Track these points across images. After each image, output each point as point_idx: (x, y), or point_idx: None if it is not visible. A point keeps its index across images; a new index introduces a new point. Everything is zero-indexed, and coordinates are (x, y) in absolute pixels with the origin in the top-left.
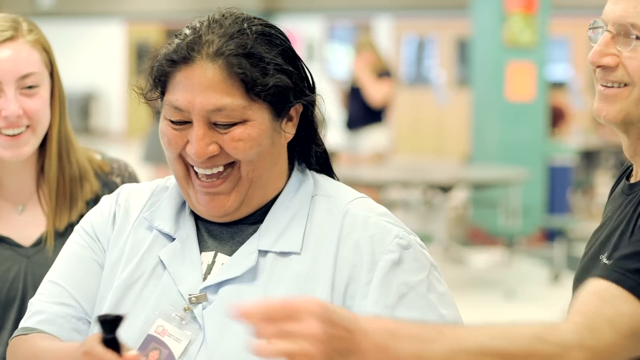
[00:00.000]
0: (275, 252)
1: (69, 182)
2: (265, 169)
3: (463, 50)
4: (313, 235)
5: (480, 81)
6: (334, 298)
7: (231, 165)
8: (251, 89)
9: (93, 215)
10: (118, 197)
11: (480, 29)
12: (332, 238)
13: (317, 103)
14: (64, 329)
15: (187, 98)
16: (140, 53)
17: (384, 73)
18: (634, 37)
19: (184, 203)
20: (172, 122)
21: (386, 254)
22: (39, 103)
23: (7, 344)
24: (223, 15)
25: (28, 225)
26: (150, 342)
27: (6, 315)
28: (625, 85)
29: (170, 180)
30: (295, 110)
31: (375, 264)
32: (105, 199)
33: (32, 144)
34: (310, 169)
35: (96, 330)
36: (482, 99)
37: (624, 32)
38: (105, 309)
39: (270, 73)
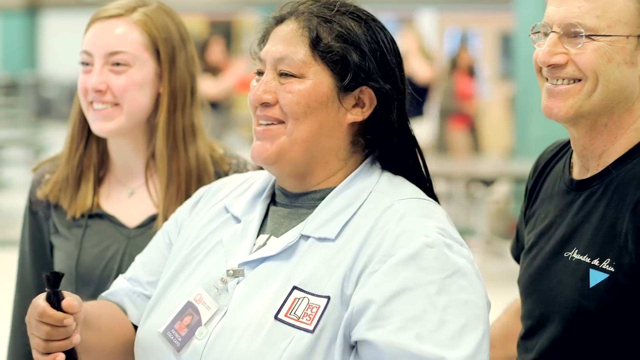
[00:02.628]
0: (314, 237)
1: (185, 176)
2: (312, 134)
3: (506, 44)
4: (352, 225)
5: (522, 75)
6: (346, 285)
7: (282, 122)
8: (315, 46)
9: (186, 201)
10: (212, 186)
11: (523, 22)
12: (365, 229)
13: (396, 104)
14: (123, 300)
15: (267, 49)
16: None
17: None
18: (581, 35)
19: (263, 190)
20: (256, 73)
21: (404, 249)
22: (126, 82)
23: None
24: None
25: (135, 209)
26: (188, 308)
27: (99, 292)
28: (576, 81)
29: (263, 171)
30: (369, 99)
31: (390, 256)
32: (202, 187)
33: (118, 122)
34: (390, 171)
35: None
36: (524, 92)
37: (570, 32)
38: (165, 279)
39: (341, 41)
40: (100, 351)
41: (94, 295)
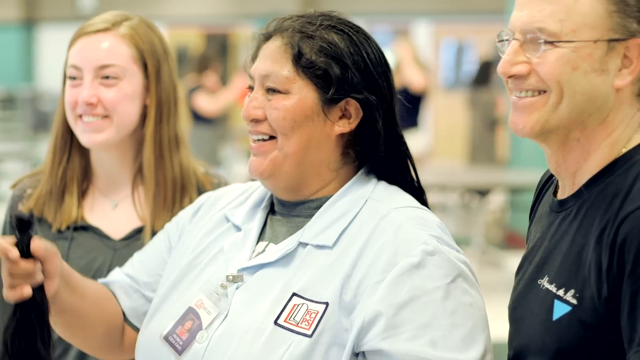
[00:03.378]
0: (312, 245)
1: (171, 186)
2: (301, 148)
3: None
4: (349, 233)
5: None
6: (344, 292)
7: (273, 138)
8: (298, 62)
9: (187, 207)
10: (212, 194)
11: None
12: (363, 237)
13: (381, 114)
14: (116, 290)
15: (255, 66)
16: (180, 57)
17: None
18: (542, 41)
19: (262, 200)
20: (249, 88)
21: (407, 258)
22: (117, 95)
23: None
24: (316, 11)
25: (119, 221)
26: (189, 313)
27: None
28: (540, 92)
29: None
30: (355, 109)
31: (393, 265)
32: (203, 195)
33: (108, 134)
34: (385, 180)
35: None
36: None
37: (531, 38)
38: (168, 285)
39: (322, 56)
40: (79, 318)
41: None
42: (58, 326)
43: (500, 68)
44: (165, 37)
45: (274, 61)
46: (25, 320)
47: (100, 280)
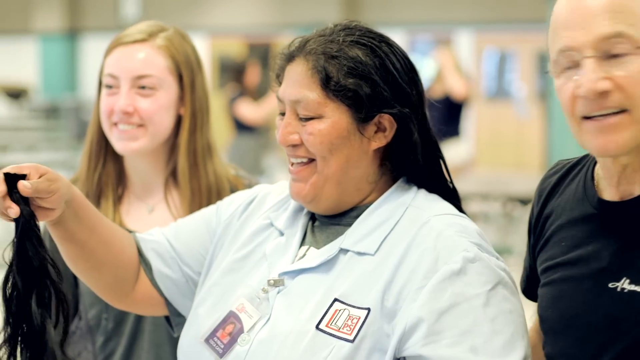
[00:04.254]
0: (353, 251)
1: (206, 193)
2: (340, 168)
3: (544, 63)
4: (390, 240)
5: None
6: (386, 298)
7: (313, 160)
8: (326, 86)
9: (230, 198)
10: (265, 188)
11: None
12: (403, 244)
13: (415, 124)
14: (148, 250)
15: (283, 89)
16: (223, 67)
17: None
18: (625, 53)
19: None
20: (280, 113)
21: (448, 264)
22: (153, 105)
23: (129, 337)
24: (336, 25)
25: (156, 225)
26: (230, 317)
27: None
28: (622, 111)
29: None
30: (389, 122)
31: (434, 272)
32: (246, 191)
33: (142, 142)
34: (425, 188)
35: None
36: (560, 112)
37: (610, 51)
38: (207, 287)
39: (350, 76)
40: (84, 252)
41: (124, 312)
42: (65, 257)
43: (583, 89)
44: (204, 47)
45: (302, 86)
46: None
47: (138, 234)
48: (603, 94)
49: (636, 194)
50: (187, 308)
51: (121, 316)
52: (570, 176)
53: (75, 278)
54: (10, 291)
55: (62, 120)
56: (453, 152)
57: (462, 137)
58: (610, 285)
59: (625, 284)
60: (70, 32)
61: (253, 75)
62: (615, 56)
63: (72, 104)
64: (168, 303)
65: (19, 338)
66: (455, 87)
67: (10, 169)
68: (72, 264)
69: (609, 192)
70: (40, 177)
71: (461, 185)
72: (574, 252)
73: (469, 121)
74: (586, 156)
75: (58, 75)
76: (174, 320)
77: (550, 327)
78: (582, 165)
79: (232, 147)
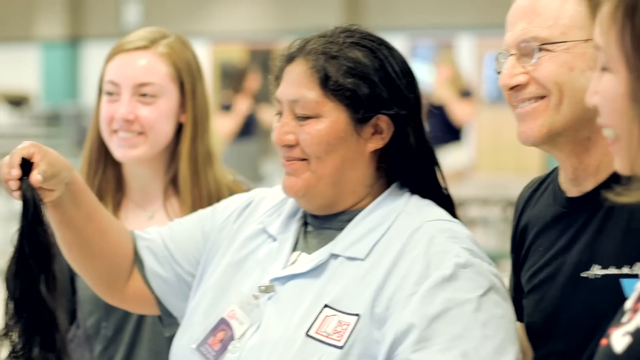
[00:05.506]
0: (344, 257)
1: (207, 200)
2: (336, 169)
3: None
4: (381, 246)
5: None
6: (377, 304)
7: (306, 159)
8: (325, 85)
9: (226, 202)
10: (261, 192)
11: None
12: (395, 250)
13: (412, 127)
14: (142, 248)
15: (282, 89)
16: (224, 72)
17: (465, 93)
18: (536, 48)
19: (297, 211)
20: (276, 114)
21: (440, 270)
22: (154, 113)
23: (128, 344)
24: (337, 28)
25: None
26: (221, 324)
27: (128, 315)
28: (541, 97)
29: None
30: (386, 124)
31: (426, 278)
32: (242, 195)
33: (142, 150)
34: (418, 193)
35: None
36: None
37: (525, 50)
38: (200, 294)
39: (349, 76)
40: (79, 238)
41: (124, 319)
42: (61, 242)
43: (500, 82)
44: (206, 54)
45: (301, 85)
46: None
47: (135, 231)
48: (520, 87)
49: (590, 188)
50: (178, 308)
51: (120, 324)
52: (542, 188)
53: (73, 286)
54: (21, 275)
55: (63, 128)
56: (454, 156)
57: (463, 142)
58: (583, 275)
59: (596, 270)
60: (72, 39)
61: (253, 82)
62: (531, 54)
63: (74, 111)
64: (159, 302)
65: (29, 323)
66: (458, 115)
67: (22, 153)
68: (66, 250)
69: (572, 192)
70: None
71: (462, 190)
72: (549, 253)
73: (471, 126)
74: (556, 168)
75: (59, 83)
76: (165, 320)
77: (537, 331)
78: (553, 176)
79: (227, 153)
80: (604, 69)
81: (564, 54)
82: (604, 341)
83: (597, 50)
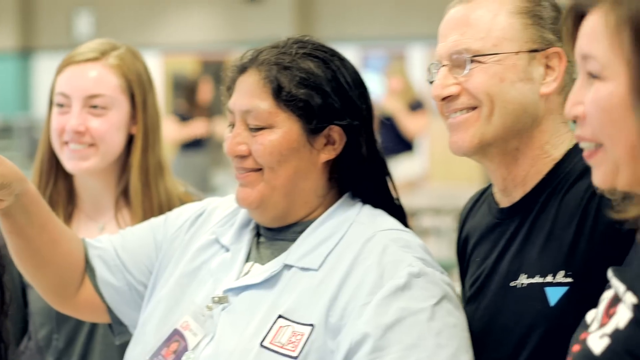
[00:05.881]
0: (297, 267)
1: (158, 211)
2: (289, 180)
3: None
4: (334, 256)
5: None
6: (331, 314)
7: (260, 170)
8: (278, 96)
9: (178, 211)
10: (213, 202)
11: None
12: (348, 260)
13: (364, 138)
14: (94, 257)
15: (234, 100)
16: (176, 84)
17: (416, 105)
18: (468, 60)
19: (249, 221)
20: (229, 125)
21: (393, 280)
22: (105, 125)
23: (79, 356)
24: (289, 39)
25: None
26: (175, 335)
27: (79, 328)
28: (472, 108)
29: None
30: (339, 135)
31: (379, 288)
32: (194, 205)
33: (93, 161)
34: (370, 203)
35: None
36: None
37: (457, 61)
38: (151, 305)
39: (302, 87)
40: (30, 247)
41: (75, 331)
42: (12, 250)
43: (432, 92)
44: (158, 65)
45: (254, 96)
46: None
47: (87, 240)
48: (452, 98)
49: (517, 198)
50: (129, 317)
51: (72, 335)
52: (481, 199)
53: (24, 298)
54: None
55: (14, 140)
56: (406, 167)
57: (415, 152)
58: (511, 284)
59: (523, 279)
60: (24, 51)
61: (205, 93)
62: (463, 65)
63: (25, 123)
64: (110, 310)
65: None
66: (410, 128)
67: None
68: (17, 258)
69: (503, 203)
70: None
71: (414, 200)
72: (485, 264)
73: (423, 137)
74: None
75: (11, 94)
76: (116, 329)
77: (475, 338)
78: (492, 188)
79: (175, 163)
80: (595, 78)
81: (495, 65)
82: (575, 347)
83: (583, 60)
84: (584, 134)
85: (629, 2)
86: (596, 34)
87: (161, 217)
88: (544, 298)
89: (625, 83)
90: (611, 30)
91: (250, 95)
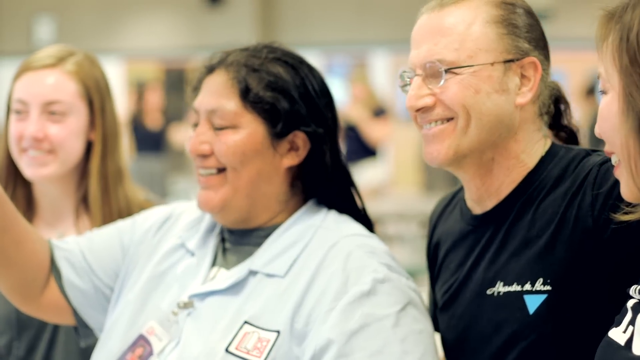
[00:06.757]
0: (263, 273)
1: (118, 217)
2: (251, 182)
3: None
4: (300, 262)
5: None
6: (296, 320)
7: (223, 170)
8: (245, 97)
9: (145, 215)
10: (179, 207)
11: None
12: (313, 266)
13: (329, 146)
14: (60, 258)
15: (200, 99)
16: (139, 92)
17: (379, 111)
18: (442, 71)
19: (214, 226)
20: (193, 125)
21: (358, 286)
22: (64, 131)
23: None
24: (259, 44)
25: None
26: (140, 340)
27: (40, 336)
28: (447, 120)
29: None
30: (303, 142)
31: (344, 293)
32: (162, 208)
33: (52, 168)
34: (335, 209)
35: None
36: None
37: (432, 71)
38: (124, 301)
39: (270, 90)
40: None
41: (36, 339)
42: None
43: (407, 103)
44: (120, 71)
45: (220, 95)
46: None
47: (53, 241)
48: (427, 109)
49: (491, 206)
50: (95, 319)
51: (32, 343)
52: (452, 203)
53: None
54: None
55: None
56: (371, 173)
57: (379, 158)
58: (488, 292)
59: (500, 287)
60: None
61: (154, 96)
62: (438, 75)
63: None
64: (75, 313)
65: None
66: (373, 136)
67: None
68: None
69: (476, 210)
70: None
71: (379, 207)
72: (459, 270)
73: (387, 142)
74: None
75: None
76: (81, 331)
77: (450, 347)
78: (463, 192)
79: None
80: (604, 93)
81: (470, 77)
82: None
83: (600, 78)
84: (607, 149)
85: (623, 16)
86: (603, 52)
87: (129, 220)
88: (522, 306)
89: (619, 93)
90: (611, 46)
91: (218, 94)
